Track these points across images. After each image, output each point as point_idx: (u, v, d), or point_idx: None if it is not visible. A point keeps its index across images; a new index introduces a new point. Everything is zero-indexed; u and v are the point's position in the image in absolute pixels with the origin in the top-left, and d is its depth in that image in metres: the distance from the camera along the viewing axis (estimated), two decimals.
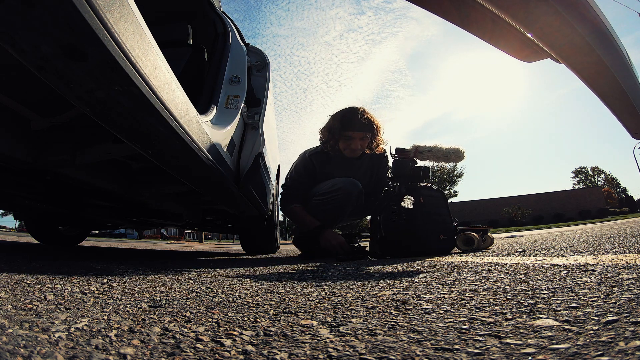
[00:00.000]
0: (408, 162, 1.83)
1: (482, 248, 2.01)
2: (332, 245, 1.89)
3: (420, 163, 1.89)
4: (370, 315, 0.51)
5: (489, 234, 2.16)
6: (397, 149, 1.91)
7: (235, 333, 0.42)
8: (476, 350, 0.35)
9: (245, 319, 0.50)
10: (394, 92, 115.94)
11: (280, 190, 2.18)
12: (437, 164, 1.99)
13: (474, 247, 1.90)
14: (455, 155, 1.81)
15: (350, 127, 2.00)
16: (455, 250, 2.00)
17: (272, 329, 0.44)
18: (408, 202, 1.68)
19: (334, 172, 2.11)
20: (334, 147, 2.09)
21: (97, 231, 5.95)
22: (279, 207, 2.16)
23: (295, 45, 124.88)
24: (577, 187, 46.87)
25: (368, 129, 2.01)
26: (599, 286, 0.61)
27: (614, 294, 0.53)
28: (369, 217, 2.08)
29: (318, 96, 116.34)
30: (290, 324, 0.47)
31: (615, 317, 0.41)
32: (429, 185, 1.90)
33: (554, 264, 1.00)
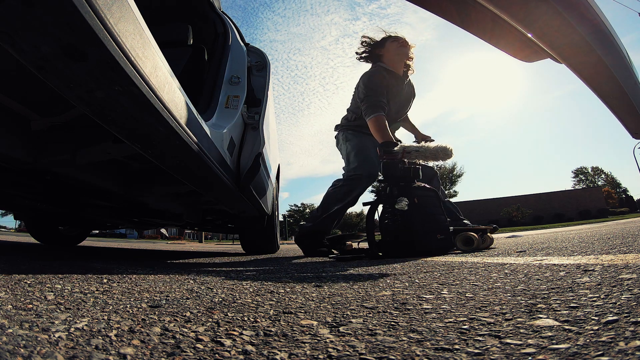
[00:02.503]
0: (398, 163, 1.82)
1: (481, 248, 2.01)
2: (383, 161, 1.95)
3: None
4: (370, 315, 0.51)
5: (488, 234, 2.17)
6: (385, 151, 1.91)
7: (235, 333, 0.42)
8: (476, 350, 0.35)
9: (245, 319, 0.50)
10: None
11: (363, 102, 2.23)
12: (435, 163, 2.00)
13: (474, 247, 1.90)
14: (444, 153, 1.80)
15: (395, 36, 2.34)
16: (455, 250, 2.00)
17: (272, 329, 0.44)
18: (403, 204, 1.68)
19: (389, 87, 2.24)
20: (379, 57, 2.34)
21: (97, 231, 5.94)
22: (364, 114, 2.20)
23: (292, 50, 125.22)
24: (577, 187, 46.84)
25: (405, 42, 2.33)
26: (599, 286, 0.61)
27: (614, 294, 0.53)
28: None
29: (315, 99, 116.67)
30: (290, 324, 0.47)
31: (615, 317, 0.41)
32: (422, 185, 1.90)
33: (554, 264, 1.00)
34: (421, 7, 1.02)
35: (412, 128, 2.66)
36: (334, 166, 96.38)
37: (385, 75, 2.24)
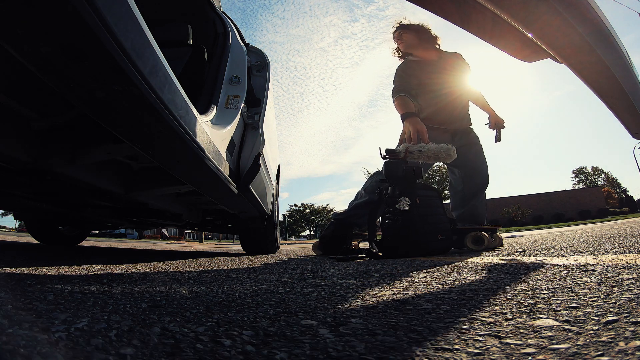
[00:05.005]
0: (400, 163, 1.83)
1: (491, 247, 2.01)
2: (409, 129, 2.05)
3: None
4: (370, 315, 0.51)
5: (497, 233, 2.17)
6: (387, 150, 1.91)
7: (235, 333, 0.42)
8: (476, 350, 0.35)
9: (245, 319, 0.50)
10: (389, 96, 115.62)
11: (392, 91, 2.40)
12: (434, 163, 2.01)
13: (484, 247, 1.89)
14: (446, 154, 1.81)
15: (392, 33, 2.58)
16: (456, 250, 2.00)
17: (272, 329, 0.44)
18: (404, 204, 1.68)
19: (423, 76, 2.37)
20: (399, 51, 2.55)
21: (97, 231, 5.94)
22: (392, 99, 2.38)
23: (291, 52, 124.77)
24: (577, 187, 46.82)
25: (398, 28, 2.52)
26: (599, 286, 0.61)
27: (614, 294, 0.54)
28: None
29: (314, 100, 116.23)
30: (290, 324, 0.47)
31: (615, 317, 0.41)
32: (424, 185, 1.90)
33: (554, 264, 1.00)
34: (421, 6, 1.02)
35: (486, 107, 2.62)
36: (333, 166, 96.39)
37: (411, 65, 2.41)
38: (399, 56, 2.57)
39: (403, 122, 2.11)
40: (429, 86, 2.34)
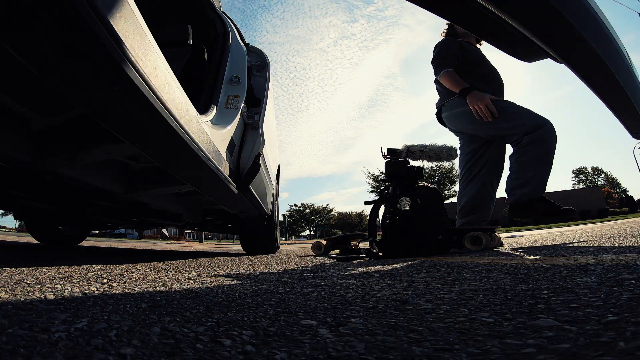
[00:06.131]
0: (401, 163, 1.83)
1: (490, 247, 2.01)
2: (478, 107, 1.99)
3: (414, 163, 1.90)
4: (370, 315, 0.51)
5: (495, 233, 2.16)
6: (389, 150, 1.91)
7: (235, 333, 0.42)
8: (476, 350, 0.35)
9: (245, 319, 0.50)
10: (388, 96, 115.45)
11: (432, 63, 2.32)
12: (435, 163, 2.02)
13: (482, 247, 1.89)
14: (448, 153, 1.81)
15: None
16: (455, 250, 2.00)
17: (272, 329, 0.44)
18: (405, 204, 1.68)
19: (470, 53, 2.29)
20: (450, 30, 2.44)
21: (97, 231, 5.95)
22: (435, 74, 2.27)
23: (290, 52, 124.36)
24: (577, 187, 46.80)
25: None
26: (599, 286, 0.61)
27: (614, 294, 0.53)
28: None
29: (314, 100, 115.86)
30: (290, 324, 0.47)
31: (615, 317, 0.41)
32: (426, 185, 1.90)
33: (554, 264, 1.00)
34: (420, 6, 1.02)
35: None
36: (333, 166, 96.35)
37: (461, 43, 2.31)
38: (445, 34, 2.48)
39: (463, 96, 2.03)
40: (473, 66, 2.27)
